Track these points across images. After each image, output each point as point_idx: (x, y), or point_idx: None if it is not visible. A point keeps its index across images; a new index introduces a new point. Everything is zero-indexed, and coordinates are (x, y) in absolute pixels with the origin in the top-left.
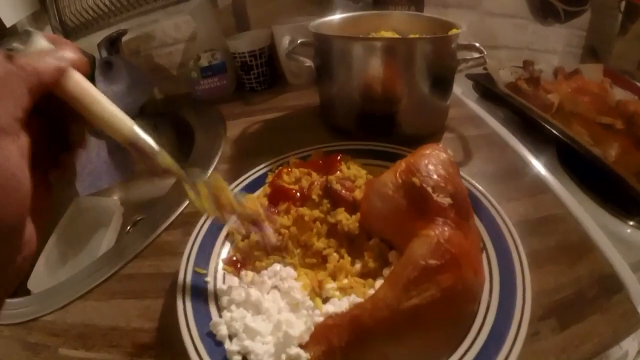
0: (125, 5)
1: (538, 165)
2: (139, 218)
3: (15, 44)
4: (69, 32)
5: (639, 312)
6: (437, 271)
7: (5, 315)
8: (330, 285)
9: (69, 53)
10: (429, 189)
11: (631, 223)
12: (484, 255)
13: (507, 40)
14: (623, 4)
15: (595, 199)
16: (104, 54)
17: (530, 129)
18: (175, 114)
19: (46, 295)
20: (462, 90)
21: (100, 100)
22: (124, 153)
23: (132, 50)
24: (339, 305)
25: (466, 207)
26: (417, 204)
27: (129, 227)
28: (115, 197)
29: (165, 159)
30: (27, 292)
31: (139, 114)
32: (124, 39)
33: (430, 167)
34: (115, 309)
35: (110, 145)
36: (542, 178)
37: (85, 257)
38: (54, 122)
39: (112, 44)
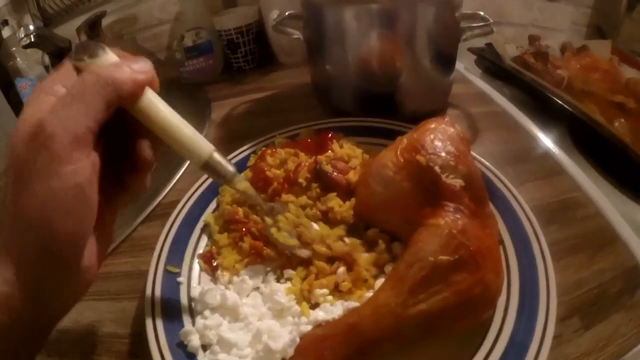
0: None
1: (551, 145)
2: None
3: (85, 57)
4: (50, 19)
5: None
6: (450, 269)
7: None
8: (322, 291)
9: (145, 66)
10: (437, 169)
11: None
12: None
13: (512, 17)
14: None
15: (611, 181)
16: (84, 39)
17: (540, 107)
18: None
19: None
20: (464, 65)
21: (177, 122)
22: None
23: (116, 34)
24: (331, 311)
25: (481, 190)
26: (424, 186)
27: None
28: None
29: (243, 184)
30: None
31: None
32: (106, 22)
33: (437, 143)
34: (89, 311)
35: None
36: (556, 158)
37: None
38: (120, 139)
39: (92, 28)
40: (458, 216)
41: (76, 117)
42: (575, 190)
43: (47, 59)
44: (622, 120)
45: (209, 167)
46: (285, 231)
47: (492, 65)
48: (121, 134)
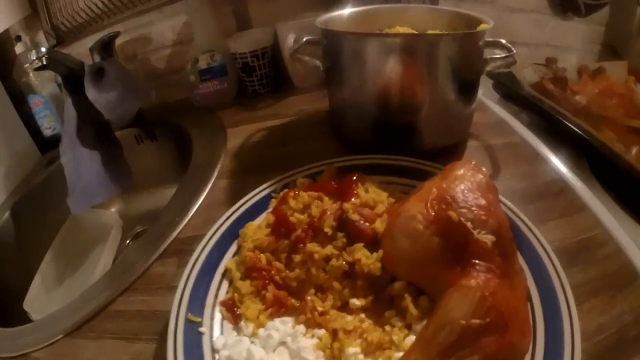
0: (118, 7)
1: (572, 178)
2: (139, 230)
3: None
4: (62, 36)
5: None
6: (480, 333)
7: None
8: (353, 350)
9: None
10: (469, 224)
11: None
12: None
13: (526, 37)
14: None
15: (630, 213)
16: (97, 58)
17: (559, 135)
18: (173, 122)
19: (34, 329)
20: (482, 91)
21: None
22: (120, 162)
23: (128, 54)
24: None
25: (510, 244)
26: (454, 242)
27: (128, 241)
28: (114, 210)
29: None
30: (23, 312)
31: (134, 122)
32: (119, 42)
33: (468, 194)
34: (105, 350)
35: (104, 155)
36: (577, 193)
37: (83, 275)
38: None
39: (105, 47)
40: (490, 276)
41: None
42: (596, 227)
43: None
44: None
45: None
46: None
47: (510, 91)
48: None
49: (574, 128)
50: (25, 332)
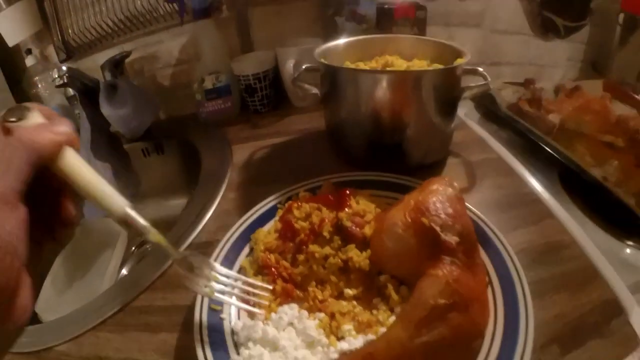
0: (128, 26)
1: (542, 190)
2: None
3: (13, 119)
4: (72, 51)
5: (638, 334)
6: (446, 310)
7: (17, 343)
8: (348, 327)
9: (64, 128)
10: (438, 229)
11: (630, 243)
12: (489, 288)
13: (511, 57)
14: (621, 16)
15: (596, 220)
16: (108, 76)
17: (532, 152)
18: (181, 136)
19: (57, 325)
20: (465, 111)
21: (93, 180)
22: (129, 174)
23: (137, 71)
24: (353, 343)
25: (473, 244)
26: (427, 242)
27: (133, 248)
28: None
29: (156, 236)
30: (34, 315)
31: (145, 137)
32: (128, 59)
33: (438, 205)
34: (130, 342)
35: (115, 167)
36: (546, 203)
37: (91, 279)
38: (48, 195)
39: (116, 65)
40: (453, 268)
41: (1, 179)
42: (562, 233)
43: (69, 90)
44: (614, 160)
45: (124, 221)
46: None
47: (489, 111)
48: (49, 191)
49: (544, 146)
50: (45, 329)
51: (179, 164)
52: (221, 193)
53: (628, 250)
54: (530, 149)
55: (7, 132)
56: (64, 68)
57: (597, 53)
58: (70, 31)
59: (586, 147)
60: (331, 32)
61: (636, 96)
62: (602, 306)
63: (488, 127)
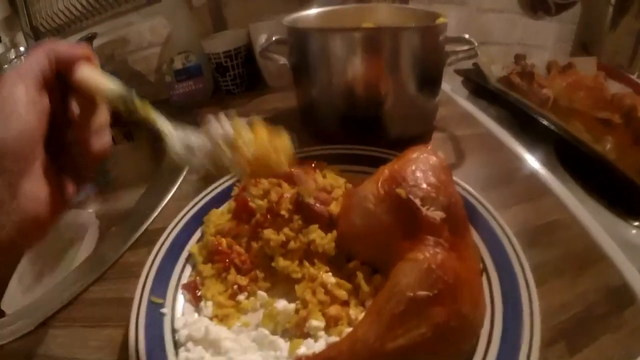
0: (97, 8)
1: (537, 166)
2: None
3: None
4: (41, 37)
5: None
6: (428, 304)
7: None
8: (317, 323)
9: (81, 45)
10: (418, 202)
11: (636, 224)
12: (483, 276)
13: (498, 36)
14: None
15: (597, 199)
16: None
17: (525, 127)
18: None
19: (10, 322)
20: (451, 87)
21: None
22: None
23: (107, 56)
24: (312, 346)
25: (462, 221)
26: (404, 220)
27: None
28: (91, 210)
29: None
30: (1, 312)
31: (113, 123)
32: (98, 43)
33: (419, 174)
34: (75, 338)
35: None
36: (542, 180)
37: (60, 274)
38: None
39: None
40: (437, 250)
41: (26, 64)
42: (561, 211)
43: None
44: (610, 137)
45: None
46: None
47: (478, 86)
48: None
49: (539, 118)
50: (1, 325)
51: (149, 151)
52: (182, 176)
53: (634, 232)
54: (523, 125)
55: None
56: (22, 48)
57: (587, 34)
58: (38, 16)
59: (581, 124)
60: (308, 7)
61: (631, 76)
62: (610, 295)
63: (477, 103)
